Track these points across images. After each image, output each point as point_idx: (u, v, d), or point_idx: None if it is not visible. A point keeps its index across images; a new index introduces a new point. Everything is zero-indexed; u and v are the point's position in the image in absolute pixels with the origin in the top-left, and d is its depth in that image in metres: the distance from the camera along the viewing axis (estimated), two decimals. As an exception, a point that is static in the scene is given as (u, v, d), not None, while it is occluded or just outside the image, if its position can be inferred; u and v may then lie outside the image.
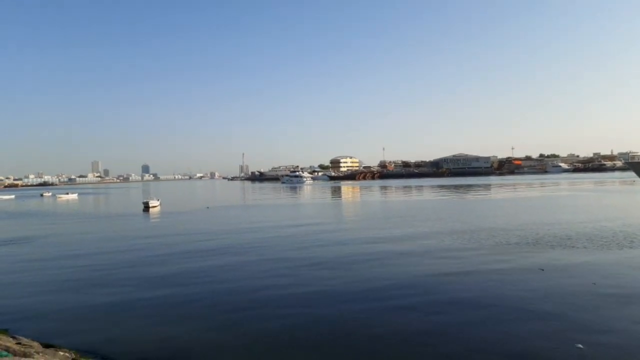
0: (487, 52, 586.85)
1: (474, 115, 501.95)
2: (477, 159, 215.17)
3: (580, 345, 8.58)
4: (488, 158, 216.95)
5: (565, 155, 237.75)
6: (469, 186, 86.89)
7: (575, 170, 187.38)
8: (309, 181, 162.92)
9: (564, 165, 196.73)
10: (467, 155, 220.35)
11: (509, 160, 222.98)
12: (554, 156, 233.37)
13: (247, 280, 15.22)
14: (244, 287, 14.21)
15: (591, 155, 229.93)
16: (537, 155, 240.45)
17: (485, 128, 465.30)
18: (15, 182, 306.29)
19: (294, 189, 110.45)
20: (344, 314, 11.18)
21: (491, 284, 13.46)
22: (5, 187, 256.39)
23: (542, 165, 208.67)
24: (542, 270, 14.71)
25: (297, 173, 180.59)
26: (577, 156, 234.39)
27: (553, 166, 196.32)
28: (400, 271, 15.63)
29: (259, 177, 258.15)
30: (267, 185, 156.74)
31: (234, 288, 14.16)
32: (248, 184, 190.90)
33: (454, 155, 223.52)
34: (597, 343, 8.73)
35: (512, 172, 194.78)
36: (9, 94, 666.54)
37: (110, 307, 12.45)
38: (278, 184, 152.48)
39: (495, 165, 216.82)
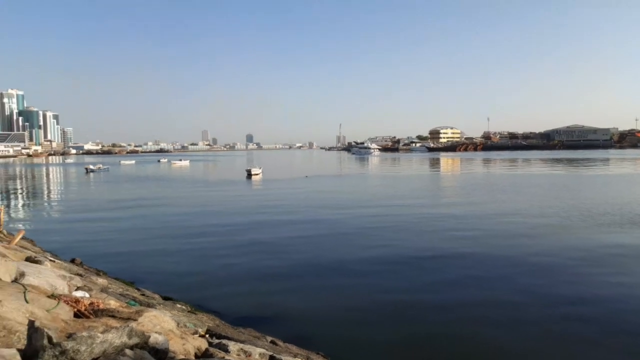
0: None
1: (592, 83, 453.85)
2: (595, 130, 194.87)
3: None
4: (607, 130, 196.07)
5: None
6: (606, 160, 78.20)
7: None
8: (376, 152, 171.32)
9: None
10: (583, 126, 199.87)
11: (631, 133, 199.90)
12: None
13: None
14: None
15: None
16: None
17: (605, 98, 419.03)
18: (136, 148, 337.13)
19: (362, 159, 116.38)
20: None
21: None
22: (128, 153, 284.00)
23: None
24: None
25: (365, 145, 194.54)
26: None
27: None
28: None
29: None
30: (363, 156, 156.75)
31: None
32: (344, 154, 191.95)
33: (567, 127, 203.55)
34: None
35: (634, 146, 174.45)
36: (132, 72, 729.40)
37: (221, 268, 13.43)
38: (370, 156, 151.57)
39: (616, 137, 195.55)
